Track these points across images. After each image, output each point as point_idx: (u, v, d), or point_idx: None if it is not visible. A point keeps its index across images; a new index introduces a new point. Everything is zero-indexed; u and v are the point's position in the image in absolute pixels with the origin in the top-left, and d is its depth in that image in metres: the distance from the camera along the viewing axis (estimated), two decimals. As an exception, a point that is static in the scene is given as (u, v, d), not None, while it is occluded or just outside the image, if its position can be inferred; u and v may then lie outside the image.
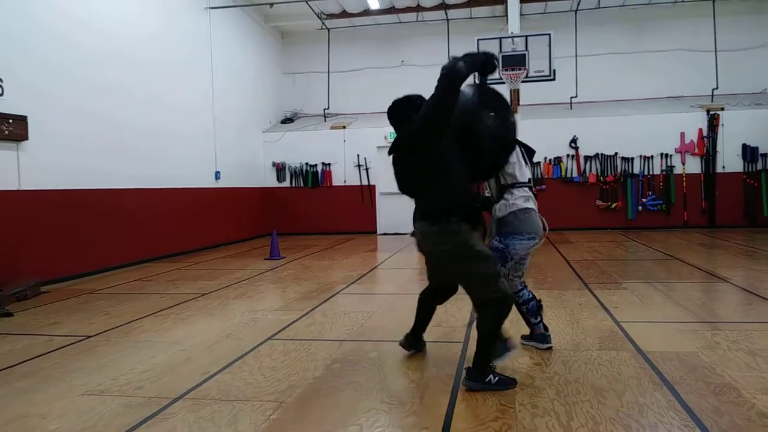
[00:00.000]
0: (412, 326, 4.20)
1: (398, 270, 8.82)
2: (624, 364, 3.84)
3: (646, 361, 3.87)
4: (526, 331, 4.32)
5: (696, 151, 13.52)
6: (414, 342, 4.20)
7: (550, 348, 4.17)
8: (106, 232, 8.99)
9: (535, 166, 14.15)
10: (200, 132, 11.83)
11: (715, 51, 14.22)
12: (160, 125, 10.40)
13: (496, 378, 3.44)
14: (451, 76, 3.44)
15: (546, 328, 4.24)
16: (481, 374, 3.43)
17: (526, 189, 3.84)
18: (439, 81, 3.45)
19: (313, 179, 15.04)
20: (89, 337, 5.01)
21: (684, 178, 13.58)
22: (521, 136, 4.18)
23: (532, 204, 3.85)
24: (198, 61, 11.96)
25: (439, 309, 5.63)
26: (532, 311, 4.16)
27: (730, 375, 3.55)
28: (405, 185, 3.79)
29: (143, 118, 9.90)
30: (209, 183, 12.23)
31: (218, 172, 12.47)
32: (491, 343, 3.46)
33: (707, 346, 4.20)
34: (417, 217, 3.67)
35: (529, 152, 3.99)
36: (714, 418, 2.93)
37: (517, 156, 3.88)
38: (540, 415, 3.03)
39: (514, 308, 3.61)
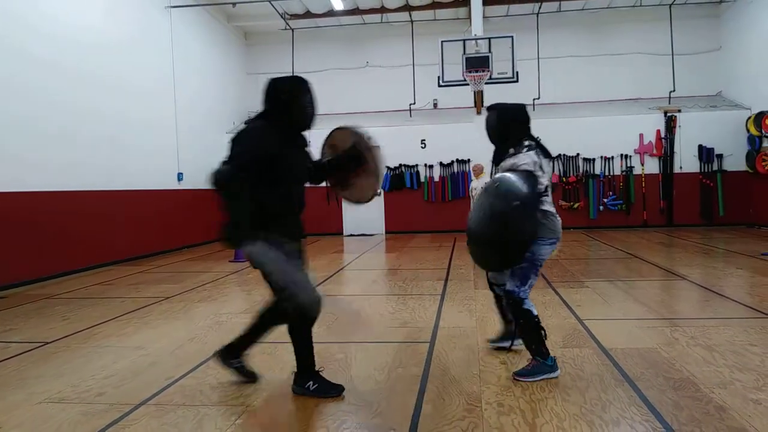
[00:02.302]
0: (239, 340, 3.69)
1: (364, 271, 8.81)
2: (587, 361, 3.91)
3: (608, 358, 3.94)
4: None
5: (654, 152, 13.87)
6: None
7: (519, 345, 3.94)
8: (64, 236, 8.75)
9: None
10: (162, 135, 11.62)
11: (672, 54, 14.61)
12: (121, 133, 10.18)
13: (315, 385, 3.40)
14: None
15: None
16: (303, 380, 3.42)
17: (546, 197, 3.68)
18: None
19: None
20: (47, 343, 4.86)
21: (643, 179, 13.91)
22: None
23: (550, 207, 3.70)
24: (159, 61, 11.75)
25: (405, 310, 5.67)
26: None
27: (689, 370, 3.65)
28: None
29: (101, 126, 9.68)
30: (172, 185, 12.02)
31: (181, 174, 12.28)
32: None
33: (667, 342, 4.31)
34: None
35: (546, 155, 3.83)
36: (674, 412, 3.01)
37: (537, 163, 3.67)
38: (506, 413, 3.07)
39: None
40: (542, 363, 3.58)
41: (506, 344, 4.14)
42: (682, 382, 3.45)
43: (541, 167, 3.65)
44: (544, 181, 3.63)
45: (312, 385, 3.40)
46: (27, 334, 5.26)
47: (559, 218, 3.77)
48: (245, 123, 3.56)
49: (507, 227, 3.44)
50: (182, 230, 12.28)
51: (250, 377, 3.68)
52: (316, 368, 3.45)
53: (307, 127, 3.62)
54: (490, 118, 4.06)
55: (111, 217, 9.85)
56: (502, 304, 4.09)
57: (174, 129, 12.05)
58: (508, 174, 3.64)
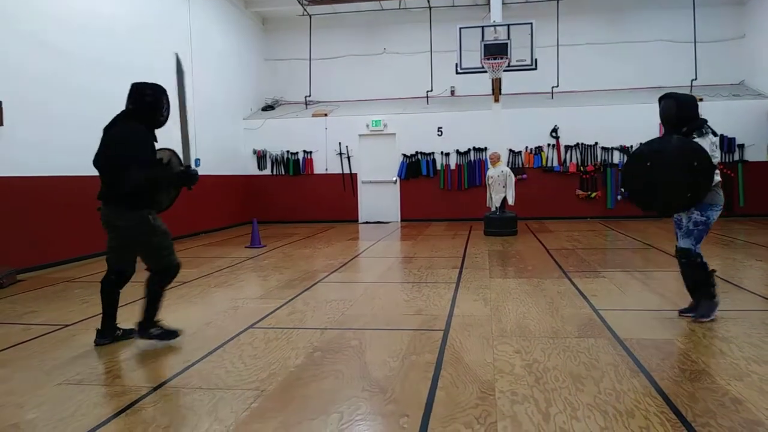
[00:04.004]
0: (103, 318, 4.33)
1: (379, 259, 8.83)
2: (602, 351, 3.90)
3: (623, 348, 3.93)
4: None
5: (674, 141, 13.66)
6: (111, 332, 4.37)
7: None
8: (84, 220, 8.83)
9: (516, 155, 14.24)
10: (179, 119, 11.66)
11: (695, 42, 14.37)
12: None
13: (160, 330, 4.27)
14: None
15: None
16: (147, 328, 4.23)
17: (717, 170, 4.38)
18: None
19: (294, 167, 14.97)
20: (67, 325, 4.95)
21: (662, 168, 13.72)
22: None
23: (719, 178, 4.44)
24: (177, 47, 11.78)
25: (420, 298, 5.69)
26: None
27: (705, 362, 3.62)
28: None
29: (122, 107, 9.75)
30: (189, 170, 12.10)
31: (198, 159, 12.34)
32: (158, 300, 4.32)
33: (683, 333, 4.28)
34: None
35: (714, 134, 4.47)
36: (689, 403, 2.99)
37: (715, 143, 4.40)
38: (519, 402, 3.07)
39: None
40: (711, 302, 4.52)
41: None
42: (697, 373, 3.43)
43: (716, 146, 4.42)
44: (718, 156, 4.42)
45: (155, 330, 4.26)
46: (47, 316, 5.35)
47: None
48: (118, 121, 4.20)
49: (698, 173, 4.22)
50: (200, 215, 12.38)
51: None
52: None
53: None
54: (669, 105, 4.60)
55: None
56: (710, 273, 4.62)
57: (192, 115, 12.08)
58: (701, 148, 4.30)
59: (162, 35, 11.23)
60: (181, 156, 4.49)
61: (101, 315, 4.35)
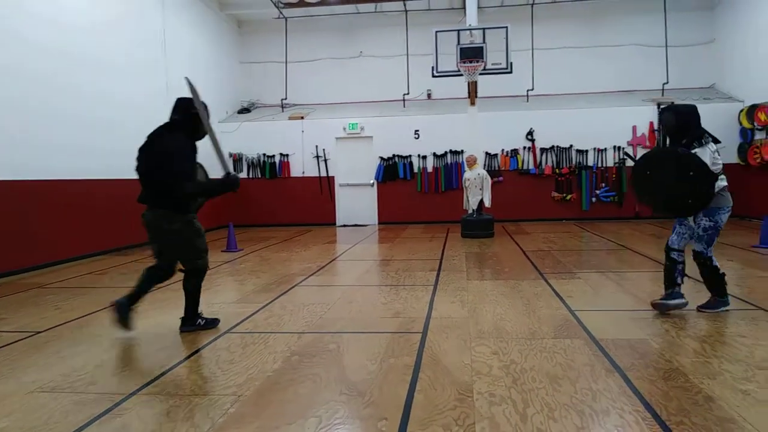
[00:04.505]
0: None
1: (357, 262, 8.81)
2: (578, 351, 3.94)
3: (598, 349, 3.97)
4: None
5: (647, 143, 13.90)
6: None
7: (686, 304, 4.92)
8: (56, 225, 8.71)
9: (492, 157, 14.34)
10: (153, 120, 11.46)
11: (666, 46, 14.63)
12: (111, 114, 10.10)
13: (204, 321, 4.77)
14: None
15: (682, 294, 4.96)
16: (192, 321, 4.72)
17: (722, 175, 4.66)
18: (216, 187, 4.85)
19: (270, 170, 14.88)
20: (39, 332, 4.85)
21: (635, 170, 13.92)
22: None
23: (725, 182, 4.69)
24: (150, 49, 11.65)
25: (398, 301, 5.69)
26: (680, 273, 4.98)
27: (679, 361, 3.68)
28: None
29: (93, 106, 9.63)
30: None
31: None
32: (197, 296, 4.75)
33: (657, 333, 4.34)
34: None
35: (716, 141, 4.75)
36: (663, 402, 3.03)
37: (716, 151, 4.65)
38: (497, 403, 3.08)
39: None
40: (721, 300, 4.87)
41: (682, 301, 4.90)
42: (671, 372, 3.48)
43: (718, 153, 4.67)
44: (721, 163, 4.66)
45: (201, 321, 4.75)
46: (18, 323, 5.24)
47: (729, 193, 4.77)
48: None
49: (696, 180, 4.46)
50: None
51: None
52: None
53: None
54: (668, 118, 4.85)
55: (102, 206, 9.79)
56: (677, 268, 4.94)
57: (166, 116, 11.95)
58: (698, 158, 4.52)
59: (135, 36, 11.09)
60: (205, 168, 5.08)
61: (133, 293, 4.66)
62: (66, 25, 9.14)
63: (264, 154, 14.87)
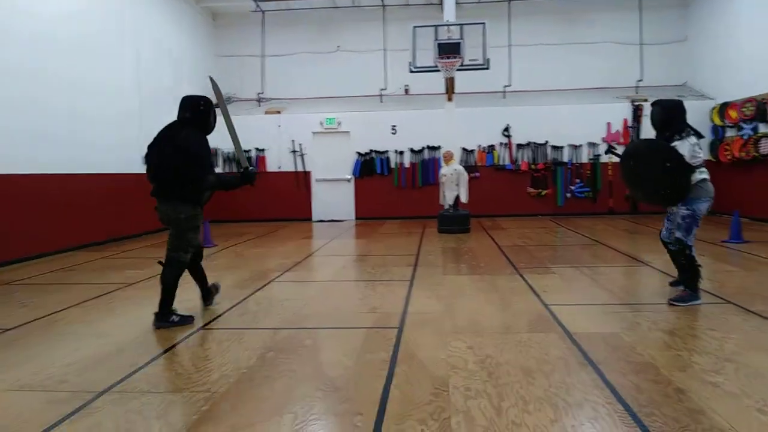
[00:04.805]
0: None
1: (333, 257, 8.79)
2: (552, 345, 3.98)
3: (572, 342, 4.02)
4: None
5: (621, 140, 14.07)
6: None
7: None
8: (24, 220, 8.53)
9: (469, 153, 14.40)
10: (125, 115, 11.33)
11: (641, 44, 14.81)
12: (81, 107, 9.92)
13: (178, 318, 4.73)
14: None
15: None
16: (165, 317, 4.68)
17: (703, 168, 4.90)
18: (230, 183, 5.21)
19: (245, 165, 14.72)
20: (7, 330, 4.75)
21: (609, 167, 14.12)
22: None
23: (706, 175, 4.92)
24: (123, 42, 11.45)
25: (374, 296, 5.70)
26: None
27: (650, 354, 3.74)
28: None
29: (62, 100, 9.43)
30: (136, 168, 11.78)
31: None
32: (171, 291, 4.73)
33: (629, 326, 4.41)
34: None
35: (699, 136, 4.95)
36: (635, 395, 3.08)
37: (696, 144, 4.85)
38: (473, 397, 3.10)
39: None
40: (692, 294, 5.00)
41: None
42: (643, 365, 3.54)
43: (699, 147, 4.87)
44: (702, 156, 4.89)
45: (175, 318, 4.72)
46: (-14, 320, 5.12)
47: (711, 183, 4.97)
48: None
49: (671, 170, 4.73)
50: (147, 215, 12.04)
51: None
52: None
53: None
54: (656, 111, 5.10)
55: (72, 201, 9.62)
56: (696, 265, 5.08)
57: (138, 110, 11.79)
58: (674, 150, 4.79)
59: (106, 27, 10.88)
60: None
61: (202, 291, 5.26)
62: (35, 13, 8.93)
63: (240, 149, 14.70)
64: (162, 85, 12.78)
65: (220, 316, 5.09)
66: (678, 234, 5.05)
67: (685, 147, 4.78)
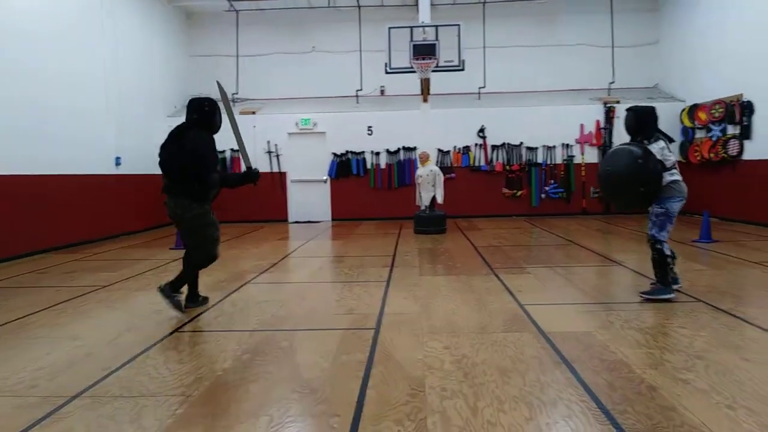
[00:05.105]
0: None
1: (310, 258, 8.76)
2: (527, 344, 4.01)
3: (547, 342, 4.06)
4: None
5: (594, 141, 14.27)
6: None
7: (680, 287, 5.45)
8: (-6, 222, 8.35)
9: (445, 154, 14.46)
10: (96, 115, 11.17)
11: (612, 46, 15.02)
12: (53, 104, 9.76)
13: (177, 299, 5.06)
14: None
15: (676, 273, 5.44)
16: (172, 291, 5.05)
17: (674, 170, 5.14)
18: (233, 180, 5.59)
19: (221, 166, 14.61)
20: (-26, 334, 4.64)
21: (583, 168, 14.31)
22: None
23: (678, 176, 5.17)
24: (94, 41, 11.27)
25: (351, 297, 5.69)
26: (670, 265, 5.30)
27: (623, 352, 3.79)
28: None
29: (30, 97, 9.25)
30: (109, 169, 11.61)
31: (119, 158, 11.87)
32: (189, 278, 5.22)
33: (602, 325, 4.47)
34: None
35: (670, 140, 5.25)
36: (608, 392, 3.12)
37: (665, 147, 5.10)
38: (449, 398, 3.12)
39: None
40: (663, 288, 5.20)
41: (676, 286, 5.36)
42: (616, 363, 3.59)
43: (669, 149, 5.12)
44: (673, 158, 5.14)
45: (177, 296, 5.05)
46: (-48, 325, 5.00)
47: (684, 183, 5.21)
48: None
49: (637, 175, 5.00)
50: (121, 216, 11.90)
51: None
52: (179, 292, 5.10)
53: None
54: (629, 117, 5.33)
55: (43, 202, 9.44)
56: (668, 261, 5.28)
57: (111, 112, 11.62)
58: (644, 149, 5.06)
59: (77, 22, 10.69)
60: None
61: (188, 286, 5.28)
62: (5, 6, 8.77)
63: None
64: (134, 85, 12.61)
65: (195, 318, 5.03)
66: (652, 231, 5.24)
67: (654, 148, 5.04)
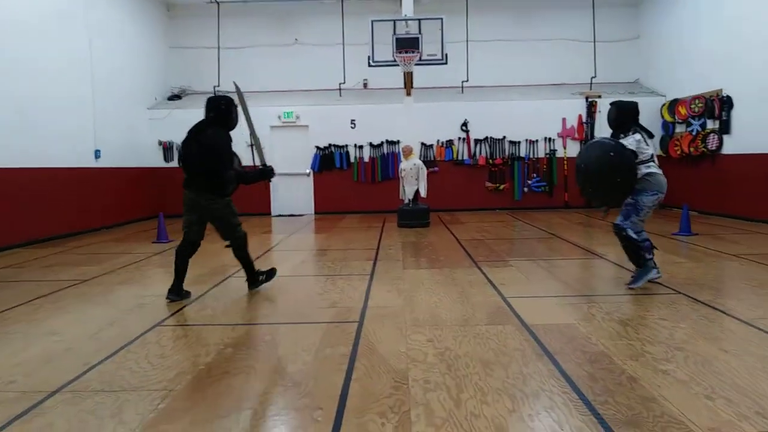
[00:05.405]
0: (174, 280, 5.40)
1: (293, 252, 8.73)
2: (510, 337, 4.04)
3: (529, 334, 4.09)
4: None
5: (576, 135, 14.37)
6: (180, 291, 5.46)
7: (659, 277, 5.51)
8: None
9: (428, 148, 14.46)
10: (75, 108, 11.00)
11: (594, 41, 15.11)
12: (30, 96, 9.60)
13: (264, 275, 5.75)
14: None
15: (655, 264, 5.49)
16: (256, 279, 5.67)
17: (651, 162, 5.25)
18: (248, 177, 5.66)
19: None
20: (-49, 330, 4.56)
21: (565, 162, 14.40)
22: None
23: (655, 169, 5.27)
24: (73, 32, 11.08)
25: (334, 290, 5.69)
26: (647, 249, 5.41)
27: (604, 344, 3.83)
28: None
29: (6, 89, 9.10)
30: (88, 162, 11.46)
31: (98, 151, 11.72)
32: (249, 261, 5.65)
33: (584, 317, 4.51)
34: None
35: (649, 135, 5.32)
36: (589, 384, 3.15)
37: (641, 141, 5.21)
38: (432, 390, 3.12)
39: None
40: (643, 270, 5.34)
41: (656, 276, 5.48)
42: (597, 355, 3.62)
43: (646, 142, 5.23)
44: (650, 151, 5.24)
45: (261, 276, 5.72)
46: (-73, 320, 4.91)
47: (663, 177, 5.32)
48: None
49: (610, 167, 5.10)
50: (101, 209, 11.76)
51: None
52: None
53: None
54: (611, 111, 5.48)
55: (21, 196, 9.30)
56: (641, 247, 5.41)
57: (91, 105, 11.45)
58: (616, 142, 5.22)
59: (53, 13, 10.51)
60: (240, 158, 5.79)
61: (173, 277, 5.37)
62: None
63: (196, 143, 14.43)
64: (114, 77, 12.44)
65: (177, 312, 4.99)
66: (617, 220, 5.42)
67: (629, 140, 5.20)
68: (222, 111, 5.30)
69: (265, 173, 5.60)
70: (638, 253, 5.37)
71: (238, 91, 5.73)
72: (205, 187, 5.23)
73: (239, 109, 5.50)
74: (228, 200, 5.38)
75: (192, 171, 5.28)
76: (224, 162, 5.22)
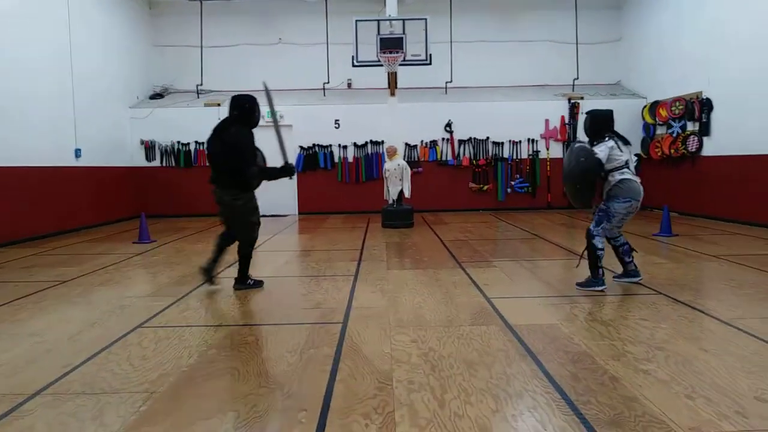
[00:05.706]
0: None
1: (276, 252, 8.70)
2: (493, 337, 4.06)
3: (513, 334, 4.11)
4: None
5: (559, 137, 14.48)
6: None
7: (640, 280, 5.65)
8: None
9: (412, 148, 14.48)
10: (55, 106, 10.86)
11: (577, 43, 15.23)
12: (8, 93, 9.46)
13: (252, 281, 5.82)
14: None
15: (636, 266, 5.67)
16: (244, 281, 5.78)
17: (624, 169, 5.30)
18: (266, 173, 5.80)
19: (185, 158, 14.37)
20: (-73, 332, 4.48)
21: (548, 163, 14.51)
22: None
23: (629, 176, 5.31)
24: (54, 29, 10.94)
25: (318, 291, 5.68)
26: (626, 252, 5.60)
27: (586, 344, 3.87)
28: None
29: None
30: (68, 161, 11.31)
31: (79, 150, 11.58)
32: (248, 260, 5.78)
33: (567, 318, 4.54)
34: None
35: (624, 142, 5.40)
36: (572, 383, 3.18)
37: (614, 147, 5.29)
38: (416, 390, 3.13)
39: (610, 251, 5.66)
40: (594, 280, 5.43)
41: (635, 279, 5.66)
42: (579, 355, 3.65)
43: (620, 149, 5.30)
44: (624, 157, 5.31)
45: (250, 281, 5.80)
46: None
47: (638, 184, 5.35)
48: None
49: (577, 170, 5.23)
50: (81, 209, 11.62)
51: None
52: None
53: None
54: (586, 120, 5.59)
55: None
56: (620, 252, 5.64)
57: (71, 103, 11.31)
58: (588, 148, 5.32)
59: (36, 17, 10.37)
60: (264, 154, 5.93)
61: (211, 258, 5.73)
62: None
63: (178, 142, 14.33)
64: (95, 74, 12.30)
65: (159, 313, 4.95)
66: (590, 225, 5.50)
67: (601, 147, 5.28)
68: (246, 110, 5.51)
69: (286, 170, 5.74)
70: (594, 264, 5.43)
71: (266, 90, 5.86)
72: (229, 184, 5.42)
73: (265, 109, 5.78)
74: (251, 195, 5.59)
75: (218, 168, 5.47)
76: (247, 160, 5.37)
